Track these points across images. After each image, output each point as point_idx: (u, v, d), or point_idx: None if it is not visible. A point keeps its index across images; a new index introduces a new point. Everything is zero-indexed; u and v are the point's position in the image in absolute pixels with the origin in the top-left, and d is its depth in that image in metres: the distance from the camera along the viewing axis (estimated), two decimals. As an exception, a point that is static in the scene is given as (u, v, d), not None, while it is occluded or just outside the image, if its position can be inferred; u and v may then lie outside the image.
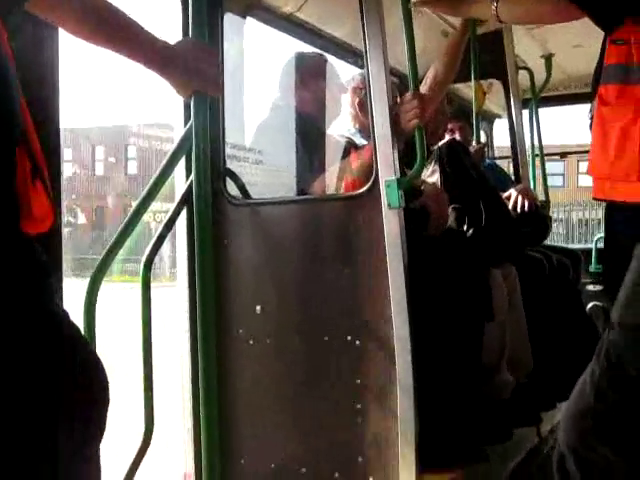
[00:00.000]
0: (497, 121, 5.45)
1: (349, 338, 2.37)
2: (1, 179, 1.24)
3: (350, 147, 2.87)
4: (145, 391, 2.25)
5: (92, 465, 1.38)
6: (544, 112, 4.86)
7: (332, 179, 2.63)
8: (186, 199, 2.37)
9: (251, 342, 2.50)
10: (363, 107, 2.93)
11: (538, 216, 3.60)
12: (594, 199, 2.07)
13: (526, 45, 4.22)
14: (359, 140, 2.99)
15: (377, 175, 2.32)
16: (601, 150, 1.95)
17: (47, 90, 1.84)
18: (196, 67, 1.70)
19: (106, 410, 1.39)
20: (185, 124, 2.26)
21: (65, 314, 1.39)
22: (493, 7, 2.10)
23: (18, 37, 1.43)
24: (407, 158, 2.57)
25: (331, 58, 3.42)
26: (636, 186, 1.85)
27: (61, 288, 1.81)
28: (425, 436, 2.28)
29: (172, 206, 2.40)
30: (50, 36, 1.89)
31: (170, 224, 2.37)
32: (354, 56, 3.50)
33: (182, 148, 2.13)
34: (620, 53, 1.93)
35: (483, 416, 2.49)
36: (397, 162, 2.32)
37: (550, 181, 4.88)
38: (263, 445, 2.50)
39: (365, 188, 2.36)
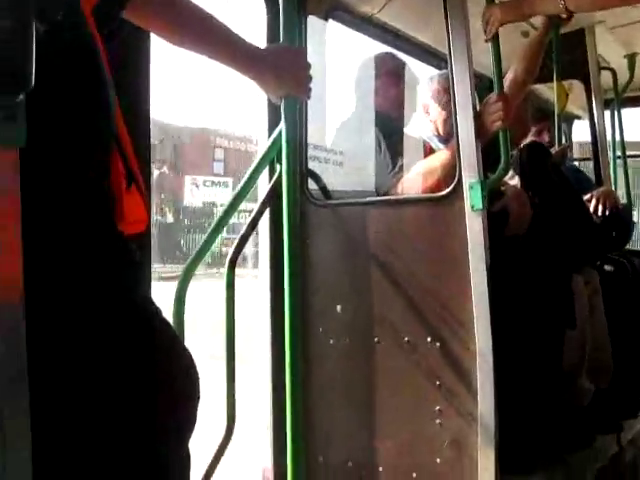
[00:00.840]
0: (576, 122, 5.35)
1: (429, 340, 2.37)
2: (95, 182, 1.30)
3: (429, 149, 2.88)
4: (228, 387, 2.29)
5: (185, 460, 1.42)
6: (629, 112, 4.76)
7: (413, 180, 2.63)
8: (269, 199, 2.42)
9: (332, 341, 2.53)
10: (444, 110, 2.91)
11: (620, 220, 3.52)
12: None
13: (609, 44, 4.12)
14: (436, 144, 2.98)
15: (460, 177, 2.32)
16: None
17: (139, 94, 1.91)
18: (287, 70, 1.74)
19: (197, 404, 1.43)
20: (269, 128, 2.30)
21: (158, 310, 1.44)
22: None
23: (112, 41, 1.48)
24: (487, 160, 2.56)
25: (411, 60, 3.44)
26: None
27: (151, 285, 1.87)
28: (505, 441, 2.27)
29: (255, 206, 2.45)
30: (143, 40, 1.96)
31: (254, 224, 2.41)
32: (435, 58, 3.49)
33: (271, 150, 2.17)
34: None
35: (563, 422, 2.47)
36: (481, 164, 2.31)
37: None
38: (342, 443, 2.52)
39: (448, 190, 2.36)
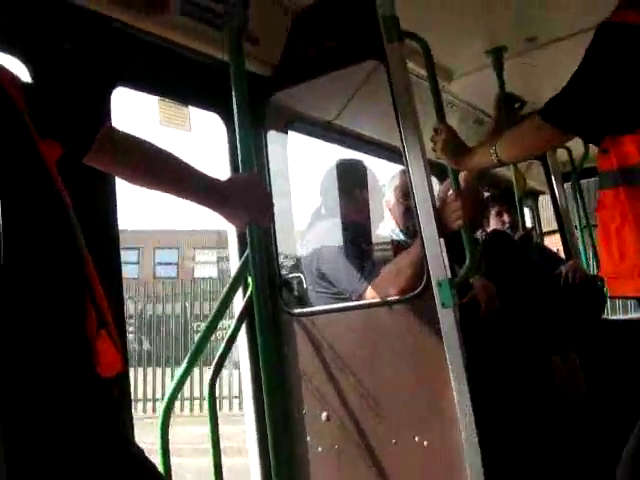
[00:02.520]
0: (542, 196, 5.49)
1: (417, 439, 2.38)
2: (74, 325, 1.35)
3: (398, 248, 2.95)
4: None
5: None
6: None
7: (384, 282, 2.68)
8: (245, 315, 2.46)
9: (320, 449, 2.53)
10: (407, 208, 3.00)
11: (591, 290, 3.59)
12: (611, 298, 2.17)
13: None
14: (402, 238, 3.06)
15: (429, 276, 2.38)
16: (606, 252, 2.07)
17: (107, 236, 1.96)
18: (249, 201, 1.80)
19: None
20: (240, 249, 2.37)
21: (141, 451, 1.46)
22: (492, 150, 2.20)
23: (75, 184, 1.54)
24: (451, 249, 2.62)
25: (372, 159, 3.55)
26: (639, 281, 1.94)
27: (132, 425, 1.89)
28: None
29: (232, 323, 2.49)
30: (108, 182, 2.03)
31: (231, 341, 2.45)
32: (396, 155, 3.60)
33: (242, 272, 2.23)
34: (604, 161, 2.04)
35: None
36: (447, 262, 2.38)
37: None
38: None
39: (418, 289, 2.41)
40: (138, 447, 1.48)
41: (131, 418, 1.89)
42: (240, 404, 9.96)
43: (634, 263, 1.99)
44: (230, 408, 11.17)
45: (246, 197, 1.79)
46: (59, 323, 1.33)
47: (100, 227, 1.93)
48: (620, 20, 1.89)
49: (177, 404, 9.94)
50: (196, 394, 10.60)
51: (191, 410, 10.86)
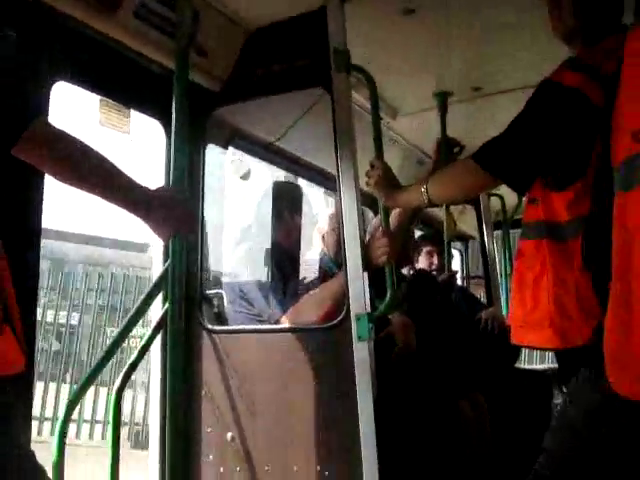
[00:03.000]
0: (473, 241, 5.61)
1: (319, 468, 2.39)
2: None
3: (324, 274, 2.96)
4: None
5: None
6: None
7: (306, 308, 2.69)
8: (161, 325, 2.43)
9: (222, 469, 2.51)
10: (333, 235, 3.03)
11: (507, 340, 3.65)
12: (513, 345, 2.22)
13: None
14: (331, 267, 3.08)
15: (348, 308, 2.40)
16: (518, 300, 2.11)
17: (28, 233, 1.92)
18: (173, 212, 1.79)
19: None
20: (164, 256, 2.35)
21: (32, 455, 1.43)
22: (423, 189, 2.24)
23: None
24: (376, 284, 2.65)
25: (309, 185, 3.57)
26: (548, 332, 1.99)
27: (30, 428, 1.84)
28: None
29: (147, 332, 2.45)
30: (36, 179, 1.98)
31: (144, 350, 2.41)
32: (332, 183, 3.63)
33: (160, 283, 2.20)
34: (532, 211, 2.10)
35: None
36: (367, 296, 2.40)
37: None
38: None
39: (337, 320, 2.43)
40: (31, 452, 1.44)
41: (29, 423, 1.84)
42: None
43: (545, 315, 2.03)
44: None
45: (169, 206, 1.78)
46: None
47: (22, 224, 1.88)
48: (558, 80, 1.95)
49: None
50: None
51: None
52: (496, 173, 2.07)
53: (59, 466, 1.96)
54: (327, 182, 3.63)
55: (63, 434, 2.02)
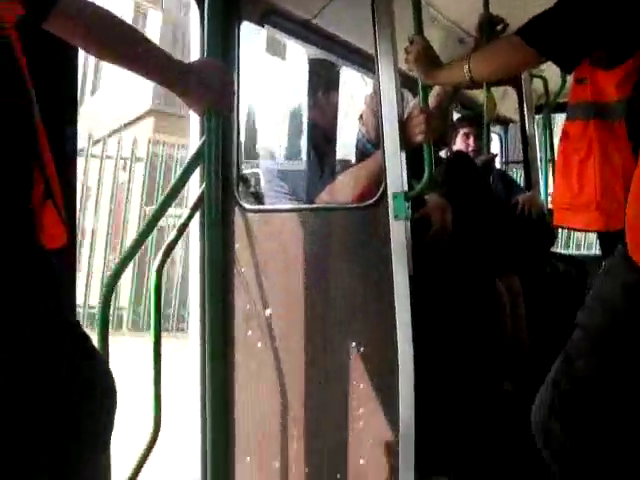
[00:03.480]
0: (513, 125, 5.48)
1: (354, 344, 2.44)
2: (19, 194, 1.32)
3: (360, 155, 2.94)
4: (154, 385, 2.31)
5: (98, 469, 1.46)
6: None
7: (342, 187, 2.68)
8: (199, 205, 2.44)
9: (259, 345, 2.58)
10: (372, 116, 2.98)
11: (544, 224, 3.63)
12: (556, 227, 2.20)
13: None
14: (368, 149, 3.05)
15: (385, 187, 2.39)
16: (564, 182, 2.07)
17: (65, 104, 1.91)
18: (209, 86, 1.77)
19: (113, 415, 1.47)
20: (201, 132, 2.34)
21: (78, 324, 1.47)
22: (465, 66, 2.16)
23: (34, 53, 1.49)
24: (413, 166, 2.63)
25: (347, 66, 3.48)
26: (594, 215, 1.96)
27: (74, 301, 1.88)
28: (426, 441, 2.35)
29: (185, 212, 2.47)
30: (68, 49, 1.95)
31: (182, 229, 2.43)
32: (370, 63, 3.54)
33: (196, 159, 2.20)
34: (580, 92, 2.03)
35: (483, 424, 2.56)
36: (405, 175, 2.38)
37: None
38: (268, 444, 2.58)
39: (374, 199, 2.42)
40: (76, 322, 1.48)
41: (74, 296, 1.89)
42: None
43: (591, 198, 2.01)
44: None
45: (206, 80, 1.75)
46: (2, 186, 1.31)
47: (58, 95, 1.87)
48: None
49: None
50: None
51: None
52: (542, 49, 1.99)
53: (103, 334, 2.02)
54: (365, 62, 3.53)
55: (106, 305, 2.07)
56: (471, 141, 4.00)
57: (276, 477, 2.56)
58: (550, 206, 4.13)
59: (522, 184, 4.51)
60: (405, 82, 3.21)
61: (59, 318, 1.41)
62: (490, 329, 2.68)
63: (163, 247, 2.35)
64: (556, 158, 2.18)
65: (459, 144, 4.01)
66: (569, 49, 1.96)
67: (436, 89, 3.09)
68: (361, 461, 2.43)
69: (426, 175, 2.33)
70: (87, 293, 9.05)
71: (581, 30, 1.94)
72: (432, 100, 2.67)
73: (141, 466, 2.25)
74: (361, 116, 3.18)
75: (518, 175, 5.40)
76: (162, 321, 2.33)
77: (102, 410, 1.44)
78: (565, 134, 2.17)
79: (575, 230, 2.30)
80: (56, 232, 1.41)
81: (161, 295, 2.31)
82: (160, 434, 2.27)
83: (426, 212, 2.68)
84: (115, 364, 1.71)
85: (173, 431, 2.54)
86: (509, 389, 2.84)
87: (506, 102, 4.61)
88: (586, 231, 2.14)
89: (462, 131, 4.04)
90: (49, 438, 1.30)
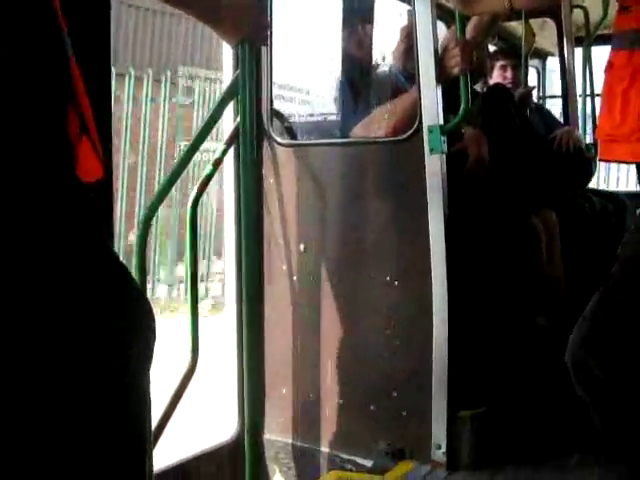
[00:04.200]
0: (551, 58, 5.34)
1: (388, 278, 2.45)
2: (57, 128, 1.33)
3: (394, 88, 2.89)
4: (191, 318, 2.35)
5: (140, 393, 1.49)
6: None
7: (376, 121, 2.65)
8: (233, 139, 2.44)
9: (294, 278, 2.60)
10: (408, 48, 2.92)
11: (582, 159, 3.56)
12: (600, 160, 2.16)
13: (582, -18, 4.11)
14: (402, 82, 3.00)
15: (420, 120, 2.36)
16: (608, 113, 2.04)
17: (98, 42, 1.90)
18: (243, 16, 1.74)
19: (153, 340, 1.49)
20: (234, 65, 2.31)
21: (117, 256, 1.49)
22: None
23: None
24: (449, 99, 2.58)
25: None
26: (636, 146, 1.93)
27: (112, 232, 1.90)
28: (459, 375, 2.37)
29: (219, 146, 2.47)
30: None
31: (217, 163, 2.44)
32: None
33: (231, 93, 2.18)
34: (624, 20, 1.97)
35: (516, 357, 2.57)
36: (440, 108, 2.35)
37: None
38: (303, 377, 2.62)
39: (409, 133, 2.40)
40: (115, 254, 1.50)
41: (112, 228, 1.91)
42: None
43: (633, 127, 1.97)
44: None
45: (238, 11, 1.73)
46: (38, 118, 1.31)
47: (91, 37, 1.86)
48: None
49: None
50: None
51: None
52: None
53: (141, 266, 2.06)
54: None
55: (143, 237, 2.10)
56: (508, 74, 3.90)
57: (310, 409, 2.61)
58: (589, 140, 4.07)
59: (560, 118, 4.42)
60: (440, 14, 3.14)
61: (101, 252, 1.43)
62: (525, 264, 2.66)
63: (198, 182, 2.36)
64: (601, 90, 2.13)
65: (496, 77, 3.91)
66: None
67: (473, 20, 3.01)
68: (394, 394, 2.47)
69: (462, 108, 2.30)
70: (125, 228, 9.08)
71: None
72: (469, 32, 2.60)
73: (180, 395, 2.30)
74: (395, 49, 3.12)
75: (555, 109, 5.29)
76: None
77: (140, 332, 1.46)
78: (610, 64, 2.11)
79: (619, 162, 2.26)
80: (92, 166, 1.42)
81: (197, 229, 2.34)
82: (198, 364, 2.31)
83: (462, 145, 2.64)
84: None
85: (211, 363, 2.59)
86: (543, 324, 2.84)
87: (545, 34, 4.49)
88: (628, 163, 2.10)
89: (499, 64, 3.94)
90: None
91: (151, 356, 1.49)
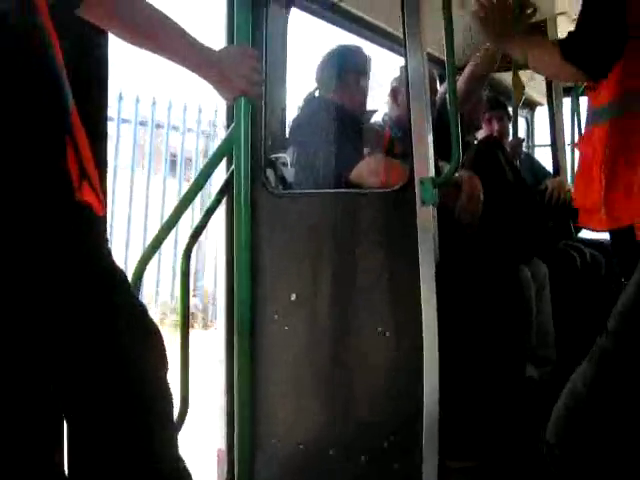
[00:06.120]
0: (539, 109, 5.42)
1: (379, 329, 2.45)
2: (57, 169, 1.34)
3: (384, 134, 2.93)
4: (182, 368, 2.34)
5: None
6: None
7: (369, 171, 2.68)
8: (226, 189, 2.46)
9: (286, 328, 2.59)
10: (399, 99, 2.97)
11: (573, 210, 3.60)
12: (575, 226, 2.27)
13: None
14: (395, 132, 3.04)
15: (412, 171, 2.38)
16: (577, 184, 2.12)
17: (95, 90, 1.92)
18: (238, 71, 1.78)
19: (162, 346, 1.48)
20: (227, 119, 2.35)
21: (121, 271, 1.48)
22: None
23: (68, 37, 1.50)
24: (443, 146, 2.61)
25: (376, 49, 3.47)
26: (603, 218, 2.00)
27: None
28: (449, 427, 2.36)
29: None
30: (99, 33, 1.96)
31: (210, 213, 2.45)
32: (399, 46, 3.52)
33: (225, 146, 2.21)
34: (590, 96, 2.07)
35: (506, 410, 2.56)
36: (432, 160, 2.38)
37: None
38: (294, 427, 2.60)
39: (401, 184, 2.42)
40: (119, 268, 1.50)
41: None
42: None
43: (596, 200, 2.03)
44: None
45: (234, 65, 1.76)
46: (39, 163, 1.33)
47: (89, 79, 1.88)
48: None
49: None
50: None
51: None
52: (591, 73, 1.99)
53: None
54: (393, 45, 3.51)
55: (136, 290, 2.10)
56: (498, 125, 3.96)
57: (300, 459, 2.59)
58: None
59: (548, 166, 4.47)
60: (433, 65, 3.20)
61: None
62: (515, 316, 2.67)
63: (190, 231, 2.37)
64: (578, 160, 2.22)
65: (485, 128, 3.98)
66: (610, 64, 1.95)
67: (466, 72, 3.08)
68: (385, 444, 2.45)
69: (454, 159, 2.33)
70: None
71: (615, 40, 1.93)
72: (462, 85, 2.65)
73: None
74: (394, 97, 3.17)
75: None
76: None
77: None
78: (580, 138, 2.22)
79: (593, 231, 2.37)
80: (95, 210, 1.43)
81: (189, 278, 2.34)
82: (188, 415, 2.30)
83: (457, 182, 2.65)
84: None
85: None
86: (533, 375, 2.84)
87: (534, 84, 4.57)
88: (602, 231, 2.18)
89: (488, 115, 4.01)
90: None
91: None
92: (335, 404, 2.54)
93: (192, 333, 2.43)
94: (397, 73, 3.31)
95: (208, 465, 2.82)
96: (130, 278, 2.08)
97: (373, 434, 2.48)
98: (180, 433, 2.31)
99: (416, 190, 2.36)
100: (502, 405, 2.56)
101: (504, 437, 2.54)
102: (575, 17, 3.69)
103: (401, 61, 3.26)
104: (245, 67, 1.79)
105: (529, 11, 2.94)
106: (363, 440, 2.50)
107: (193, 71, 1.73)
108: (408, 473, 2.40)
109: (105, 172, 1.92)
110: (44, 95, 1.35)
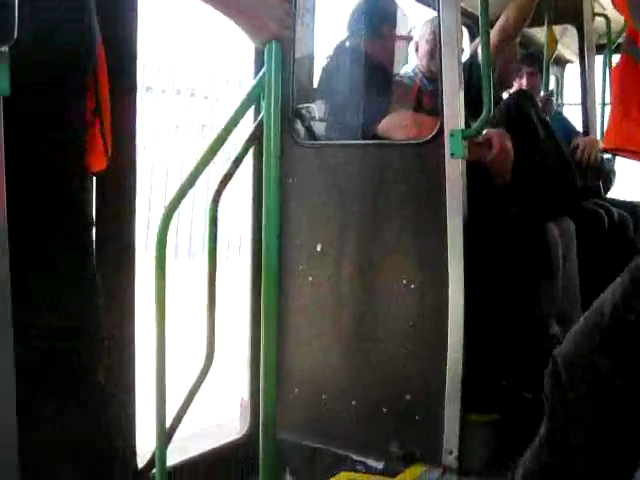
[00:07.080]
0: (569, 66, 5.32)
1: (405, 282, 2.45)
2: (75, 110, 1.34)
3: (414, 88, 2.89)
4: (209, 315, 2.35)
5: None
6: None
7: (398, 122, 2.65)
8: (254, 138, 2.44)
9: (311, 279, 2.60)
10: (432, 51, 2.93)
11: (602, 169, 3.56)
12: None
13: (605, -11, 4.09)
14: (425, 84, 3.00)
15: (442, 124, 2.36)
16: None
17: (126, 31, 1.92)
18: (268, 13, 1.75)
19: None
20: (256, 68, 2.32)
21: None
22: None
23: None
24: (472, 105, 2.58)
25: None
26: None
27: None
28: (472, 380, 2.37)
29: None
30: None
31: (238, 162, 2.44)
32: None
33: (254, 93, 2.18)
34: None
35: (529, 366, 2.56)
36: (462, 112, 2.35)
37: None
38: (316, 377, 2.63)
39: (430, 136, 2.40)
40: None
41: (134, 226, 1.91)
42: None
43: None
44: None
45: (263, 8, 1.74)
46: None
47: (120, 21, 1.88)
48: None
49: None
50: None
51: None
52: None
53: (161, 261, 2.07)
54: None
55: (164, 234, 2.10)
56: (530, 81, 3.90)
57: (323, 409, 2.61)
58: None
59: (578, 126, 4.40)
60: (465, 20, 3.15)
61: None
62: (541, 271, 2.65)
63: (219, 178, 2.36)
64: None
65: (517, 84, 3.92)
66: None
67: (498, 25, 3.02)
68: (407, 396, 2.47)
69: (484, 113, 2.29)
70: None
71: None
72: (494, 36, 2.60)
73: (195, 391, 2.31)
74: (417, 49, 3.12)
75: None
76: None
77: None
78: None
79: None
80: (95, 157, 1.43)
81: (217, 225, 2.34)
82: (214, 361, 2.32)
83: (487, 138, 2.60)
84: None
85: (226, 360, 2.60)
86: (557, 333, 2.82)
87: (566, 41, 4.48)
88: None
89: (520, 71, 3.94)
90: None
91: None
92: (359, 355, 2.55)
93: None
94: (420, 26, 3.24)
95: (232, 413, 2.86)
96: (159, 224, 2.11)
97: (395, 386, 2.49)
98: (206, 378, 2.35)
99: (445, 143, 2.34)
100: (525, 360, 2.55)
101: (526, 392, 2.54)
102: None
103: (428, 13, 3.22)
104: (279, 10, 1.76)
105: None
106: (385, 392, 2.51)
107: (226, 14, 1.70)
108: (429, 425, 2.42)
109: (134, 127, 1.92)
110: (74, 31, 1.34)
